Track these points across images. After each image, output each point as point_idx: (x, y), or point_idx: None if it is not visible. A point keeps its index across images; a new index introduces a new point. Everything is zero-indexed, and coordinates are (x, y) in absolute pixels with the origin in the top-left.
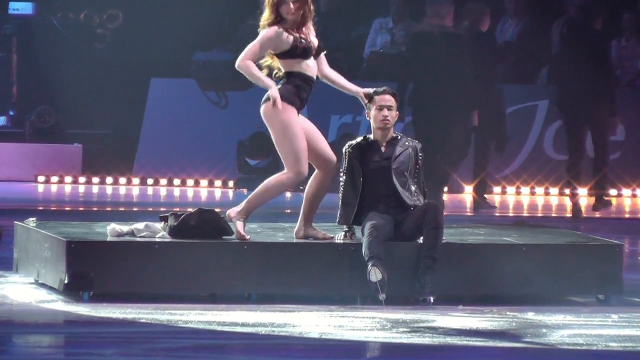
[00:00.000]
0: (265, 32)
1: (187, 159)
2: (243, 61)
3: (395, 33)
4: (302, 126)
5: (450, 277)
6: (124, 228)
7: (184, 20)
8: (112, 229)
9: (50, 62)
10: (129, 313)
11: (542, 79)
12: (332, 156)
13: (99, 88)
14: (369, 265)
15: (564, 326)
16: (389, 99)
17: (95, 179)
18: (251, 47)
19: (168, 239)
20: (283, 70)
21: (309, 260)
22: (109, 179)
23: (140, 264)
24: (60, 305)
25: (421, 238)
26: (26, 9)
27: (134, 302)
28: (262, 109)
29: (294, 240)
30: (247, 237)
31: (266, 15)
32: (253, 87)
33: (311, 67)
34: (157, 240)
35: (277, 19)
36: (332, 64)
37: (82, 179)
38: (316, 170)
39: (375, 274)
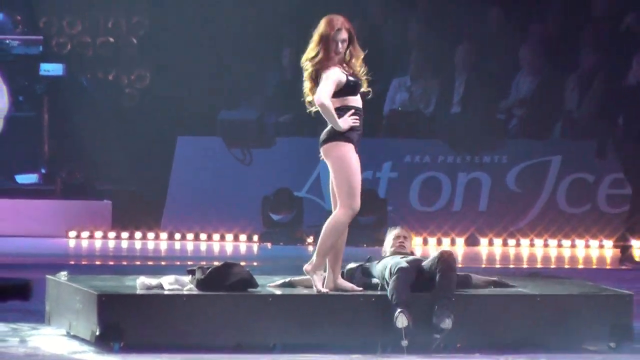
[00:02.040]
0: (332, 72)
1: (213, 214)
2: (328, 101)
3: (414, 91)
4: (357, 161)
5: (467, 327)
6: (153, 281)
7: (210, 80)
8: (141, 283)
9: (80, 121)
10: None
11: (556, 133)
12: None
13: (127, 146)
14: (397, 311)
15: None
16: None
17: (125, 234)
18: (327, 87)
19: (195, 292)
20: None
21: (330, 311)
22: (138, 234)
23: (168, 315)
24: (91, 356)
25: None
26: (57, 70)
27: (163, 352)
28: (324, 147)
29: (315, 293)
30: (324, 290)
31: (315, 53)
32: (276, 144)
33: (359, 100)
34: (185, 292)
35: (328, 57)
36: None
37: (111, 234)
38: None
39: (402, 321)
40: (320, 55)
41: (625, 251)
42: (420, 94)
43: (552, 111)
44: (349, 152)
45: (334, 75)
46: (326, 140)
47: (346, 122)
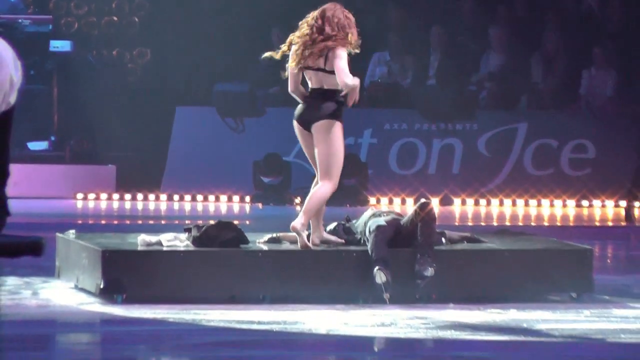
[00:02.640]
0: (343, 52)
1: (209, 178)
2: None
3: (392, 66)
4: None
5: (441, 280)
6: (153, 239)
7: (205, 56)
8: (142, 240)
9: (87, 94)
10: (158, 314)
11: (522, 104)
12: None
13: (130, 116)
14: (375, 268)
15: (542, 321)
16: None
17: (128, 196)
18: (345, 65)
19: (192, 248)
20: (325, 87)
21: (316, 265)
22: (140, 196)
23: (167, 270)
24: (97, 307)
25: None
26: (65, 46)
27: (162, 304)
28: (319, 123)
29: (301, 248)
30: (311, 246)
31: (354, 37)
32: (266, 114)
33: None
34: (182, 249)
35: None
36: None
37: (116, 196)
38: (317, 177)
39: (380, 277)
40: (349, 38)
41: (628, 211)
42: (398, 68)
43: (519, 84)
44: (341, 133)
45: (346, 56)
46: (322, 117)
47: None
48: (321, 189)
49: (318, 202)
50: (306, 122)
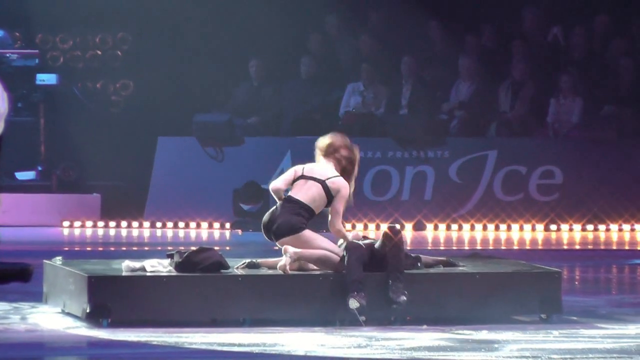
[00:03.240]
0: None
1: (190, 205)
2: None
3: (366, 95)
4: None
5: (415, 302)
6: (137, 264)
7: (185, 87)
8: (126, 266)
9: (73, 125)
10: (142, 337)
11: (491, 132)
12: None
13: (114, 146)
14: (349, 296)
15: (513, 342)
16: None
17: (112, 223)
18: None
19: (174, 273)
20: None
21: (294, 289)
22: (124, 223)
23: (150, 294)
24: (83, 331)
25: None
26: (51, 79)
27: (147, 327)
28: (288, 238)
29: (281, 273)
30: (289, 270)
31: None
32: (245, 143)
33: None
34: (165, 274)
35: None
36: (311, 124)
37: (100, 224)
38: None
39: (353, 303)
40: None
41: None
42: (372, 98)
43: (488, 112)
44: (312, 233)
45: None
46: (289, 232)
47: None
48: (331, 254)
49: (317, 258)
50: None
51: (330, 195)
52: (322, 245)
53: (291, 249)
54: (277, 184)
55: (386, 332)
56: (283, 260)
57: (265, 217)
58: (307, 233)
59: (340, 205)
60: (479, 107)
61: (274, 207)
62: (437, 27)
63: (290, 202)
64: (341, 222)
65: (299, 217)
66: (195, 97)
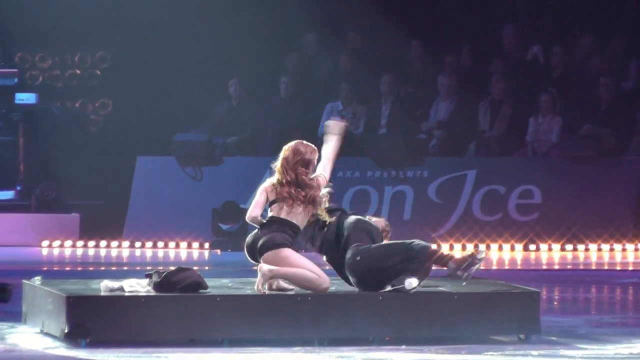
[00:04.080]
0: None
1: (169, 225)
2: None
3: (345, 115)
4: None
5: (394, 321)
6: (115, 284)
7: (164, 106)
8: (105, 285)
9: (52, 144)
10: (121, 356)
11: (471, 152)
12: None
13: (93, 165)
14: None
15: None
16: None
17: (91, 243)
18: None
19: (153, 293)
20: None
21: (273, 309)
22: (103, 243)
23: (129, 314)
24: (62, 351)
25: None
26: (30, 99)
27: (125, 347)
28: (268, 255)
29: (259, 293)
30: (263, 291)
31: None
32: (224, 163)
33: None
34: (143, 294)
35: None
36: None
37: (79, 243)
38: None
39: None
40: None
41: None
42: (351, 118)
43: (467, 132)
44: (293, 252)
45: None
46: (272, 247)
47: None
48: (308, 272)
49: (297, 281)
50: None
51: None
52: (300, 263)
53: (265, 267)
54: (254, 212)
55: (365, 352)
56: (259, 280)
57: (248, 238)
58: (288, 251)
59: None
60: (458, 126)
61: (256, 230)
62: (416, 47)
63: (274, 222)
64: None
65: (284, 234)
66: (175, 116)
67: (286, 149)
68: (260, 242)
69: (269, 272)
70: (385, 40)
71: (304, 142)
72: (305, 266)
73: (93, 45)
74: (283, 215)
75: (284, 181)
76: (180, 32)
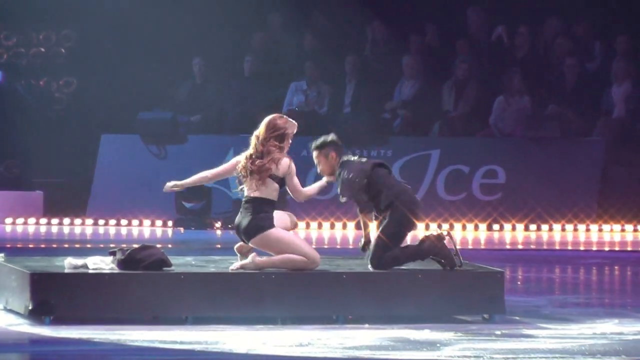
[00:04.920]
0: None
1: (133, 203)
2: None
3: (309, 94)
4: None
5: (358, 300)
6: (79, 262)
7: (129, 85)
8: (68, 263)
9: (16, 122)
10: (84, 334)
11: (435, 131)
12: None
13: (57, 143)
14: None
15: (455, 341)
16: (314, 157)
17: (55, 221)
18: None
19: (116, 271)
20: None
21: (237, 288)
22: (66, 220)
23: (93, 292)
24: (25, 328)
25: None
26: None
27: (89, 324)
28: (256, 239)
29: (224, 271)
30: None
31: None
32: (188, 141)
33: None
34: (107, 271)
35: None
36: (254, 122)
37: (43, 221)
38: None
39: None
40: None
41: None
42: (315, 97)
43: (432, 112)
44: (280, 232)
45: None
46: (257, 232)
47: None
48: (297, 258)
49: (286, 265)
50: None
51: (279, 178)
52: (291, 242)
53: (257, 259)
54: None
55: (328, 330)
56: (247, 262)
57: (237, 219)
58: (275, 232)
59: (293, 181)
60: (423, 106)
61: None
62: (381, 27)
63: (249, 202)
64: (300, 189)
65: (262, 214)
66: (139, 94)
67: (262, 124)
68: (243, 227)
69: (259, 264)
70: (350, 20)
71: (282, 116)
72: (294, 246)
73: (58, 23)
74: (254, 194)
75: (252, 155)
76: (145, 10)
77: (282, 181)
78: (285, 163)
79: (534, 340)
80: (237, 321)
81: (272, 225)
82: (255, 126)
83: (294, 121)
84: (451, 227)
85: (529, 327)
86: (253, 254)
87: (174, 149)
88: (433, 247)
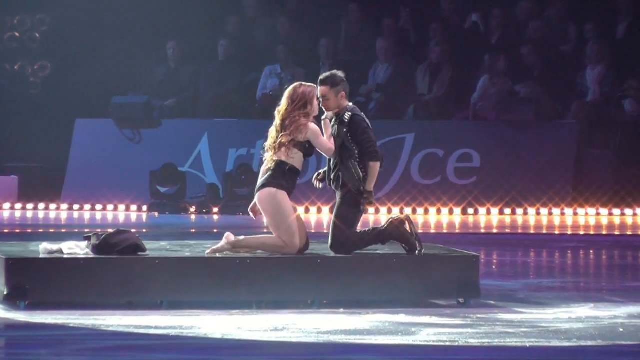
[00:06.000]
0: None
1: (107, 187)
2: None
3: (283, 77)
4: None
5: (333, 285)
6: (54, 247)
7: (103, 69)
8: (43, 248)
9: None
10: (59, 319)
11: (409, 115)
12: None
13: (32, 128)
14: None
15: (431, 326)
16: (321, 91)
17: (30, 205)
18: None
19: (91, 256)
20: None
21: (211, 272)
22: (41, 205)
23: (68, 277)
24: (0, 313)
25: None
26: None
27: (64, 309)
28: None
29: (198, 256)
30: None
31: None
32: (162, 125)
33: None
34: (82, 256)
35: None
36: (229, 106)
37: (18, 206)
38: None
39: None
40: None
41: None
42: (290, 80)
43: (406, 95)
44: (284, 198)
45: None
46: (264, 186)
47: None
48: (275, 240)
49: (262, 247)
50: None
51: (304, 147)
52: (287, 217)
53: (231, 237)
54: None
55: (303, 315)
56: (220, 245)
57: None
58: (281, 196)
59: (318, 141)
60: (397, 89)
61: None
62: (355, 10)
63: (274, 164)
64: (327, 143)
65: (280, 178)
66: (113, 79)
67: (283, 97)
68: (260, 183)
69: (234, 242)
70: (323, 3)
71: (302, 84)
72: (288, 222)
73: (32, 8)
74: (282, 158)
75: (277, 128)
76: None
77: (307, 150)
78: (306, 127)
79: (510, 325)
80: (212, 306)
81: (283, 189)
82: (229, 110)
83: (312, 84)
84: (426, 211)
85: (504, 311)
86: (227, 234)
87: (148, 133)
88: (395, 231)
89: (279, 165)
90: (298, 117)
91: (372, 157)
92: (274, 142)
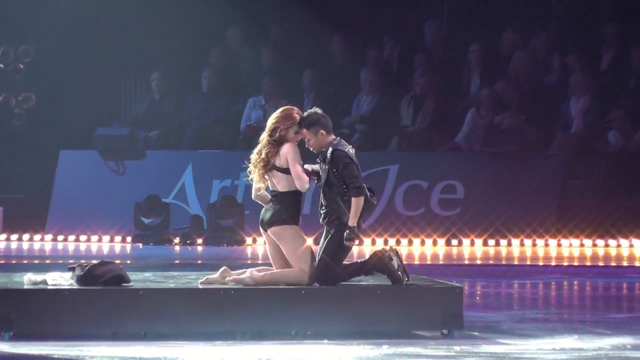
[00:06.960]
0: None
1: (92, 218)
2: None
3: (267, 109)
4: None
5: (317, 316)
6: (38, 277)
7: (87, 100)
8: (28, 279)
9: None
10: (44, 350)
11: (393, 146)
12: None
13: (16, 159)
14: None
15: (414, 357)
16: (301, 134)
17: (14, 236)
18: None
19: (76, 287)
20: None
21: (195, 303)
22: (26, 236)
23: (52, 307)
24: None
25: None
26: None
27: (48, 340)
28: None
29: (182, 287)
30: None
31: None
32: (146, 157)
33: None
34: (67, 287)
35: None
36: (213, 137)
37: (2, 236)
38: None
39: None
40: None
41: None
42: (273, 112)
43: (390, 127)
44: (292, 231)
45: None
46: (276, 222)
47: None
48: (295, 273)
49: (281, 282)
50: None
51: (284, 170)
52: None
53: (255, 274)
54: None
55: (287, 345)
56: (214, 277)
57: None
58: (292, 229)
59: (295, 167)
60: (381, 121)
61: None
62: (338, 41)
63: (273, 197)
64: (301, 172)
65: (283, 209)
66: (97, 110)
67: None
68: (266, 218)
69: (257, 279)
70: (308, 34)
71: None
72: (304, 252)
73: (16, 39)
74: (275, 189)
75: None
76: (103, 26)
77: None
78: (283, 150)
79: (493, 356)
80: (196, 336)
81: (293, 222)
82: (213, 141)
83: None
84: (410, 242)
85: (487, 342)
86: (251, 270)
87: (132, 165)
88: (379, 263)
89: (277, 198)
90: (268, 144)
91: (354, 192)
92: (260, 172)
